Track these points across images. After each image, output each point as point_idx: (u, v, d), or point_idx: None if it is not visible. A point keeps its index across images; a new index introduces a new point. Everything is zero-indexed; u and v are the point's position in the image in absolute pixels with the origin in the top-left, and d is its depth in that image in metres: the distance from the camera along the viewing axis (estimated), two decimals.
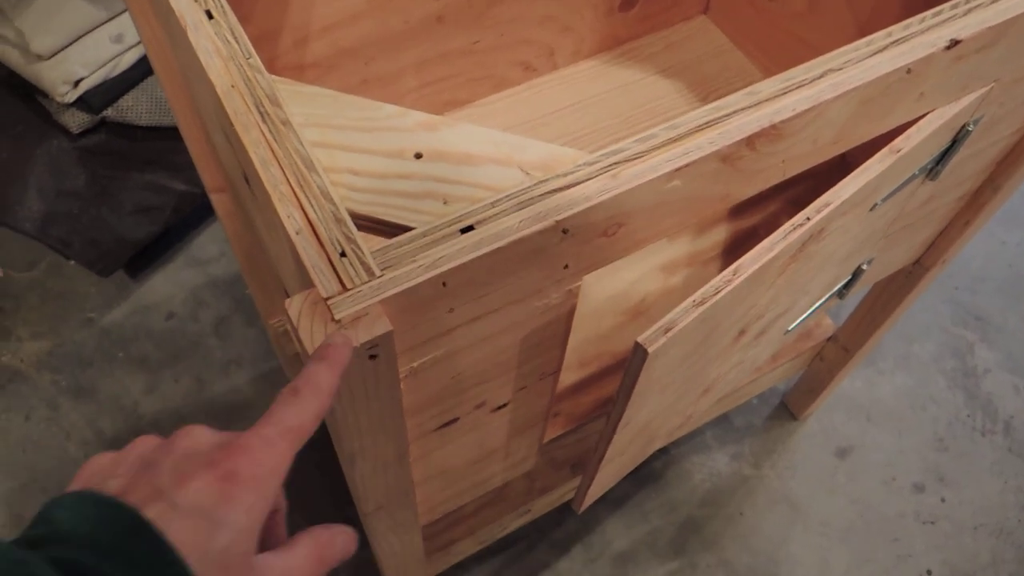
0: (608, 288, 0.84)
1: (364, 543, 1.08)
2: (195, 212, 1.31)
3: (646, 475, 1.16)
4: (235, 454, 0.32)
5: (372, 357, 0.37)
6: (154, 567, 0.28)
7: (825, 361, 1.10)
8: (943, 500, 1.17)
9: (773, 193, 0.93)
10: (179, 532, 0.29)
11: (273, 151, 0.41)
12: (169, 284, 1.31)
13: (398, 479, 0.52)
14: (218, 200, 0.85)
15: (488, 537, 0.93)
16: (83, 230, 1.14)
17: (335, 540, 0.36)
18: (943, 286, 1.37)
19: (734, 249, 0.88)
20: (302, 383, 0.34)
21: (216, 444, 0.33)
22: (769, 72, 0.98)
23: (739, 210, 0.91)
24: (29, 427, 1.17)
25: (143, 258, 1.31)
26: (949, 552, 1.12)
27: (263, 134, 0.42)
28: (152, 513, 0.29)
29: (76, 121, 1.14)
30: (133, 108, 1.14)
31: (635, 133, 0.94)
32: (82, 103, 1.13)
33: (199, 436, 0.34)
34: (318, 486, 1.11)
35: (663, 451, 1.17)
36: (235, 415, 1.18)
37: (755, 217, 0.90)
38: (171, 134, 1.20)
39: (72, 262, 1.31)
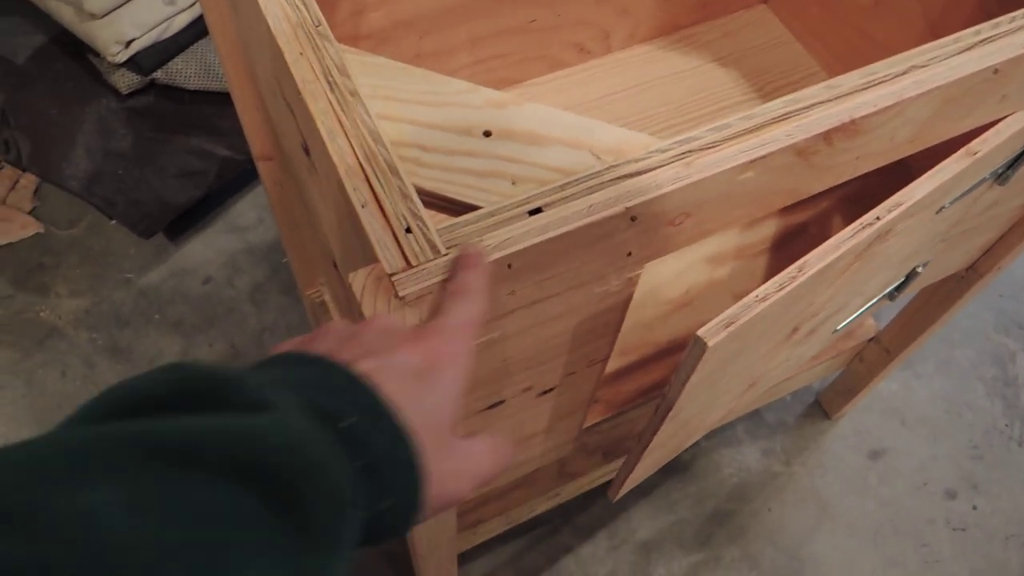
0: (653, 278, 0.83)
1: None
2: (237, 178, 1.31)
3: (675, 466, 1.15)
4: (433, 334, 0.33)
5: None
6: (375, 416, 0.28)
7: (865, 362, 1.08)
8: (975, 508, 1.15)
9: (824, 191, 0.91)
10: (391, 389, 0.29)
11: (340, 122, 0.41)
12: (207, 249, 1.32)
13: None
14: (265, 168, 0.85)
15: (516, 518, 0.93)
16: (127, 191, 1.15)
17: (505, 445, 0.37)
18: (988, 293, 1.34)
19: (783, 244, 0.86)
20: (459, 287, 0.35)
21: (412, 327, 0.34)
22: (828, 66, 0.96)
23: (789, 206, 0.90)
24: (65, 383, 1.18)
25: (183, 222, 1.32)
26: (978, 560, 1.11)
27: (331, 104, 0.41)
28: (364, 369, 0.30)
29: (125, 82, 1.14)
30: (182, 71, 1.14)
31: (688, 121, 0.92)
32: (132, 64, 1.13)
33: (393, 319, 0.35)
34: None
35: (694, 443, 1.16)
36: None
37: (806, 213, 0.88)
38: (218, 99, 1.20)
39: (113, 222, 1.32)
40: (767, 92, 0.94)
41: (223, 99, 1.21)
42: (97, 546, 0.20)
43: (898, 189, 0.51)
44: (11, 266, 1.28)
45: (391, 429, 0.29)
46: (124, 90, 1.15)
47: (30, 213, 1.33)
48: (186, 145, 1.18)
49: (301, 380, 0.29)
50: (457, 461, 0.33)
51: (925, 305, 0.94)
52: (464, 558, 1.05)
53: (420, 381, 0.31)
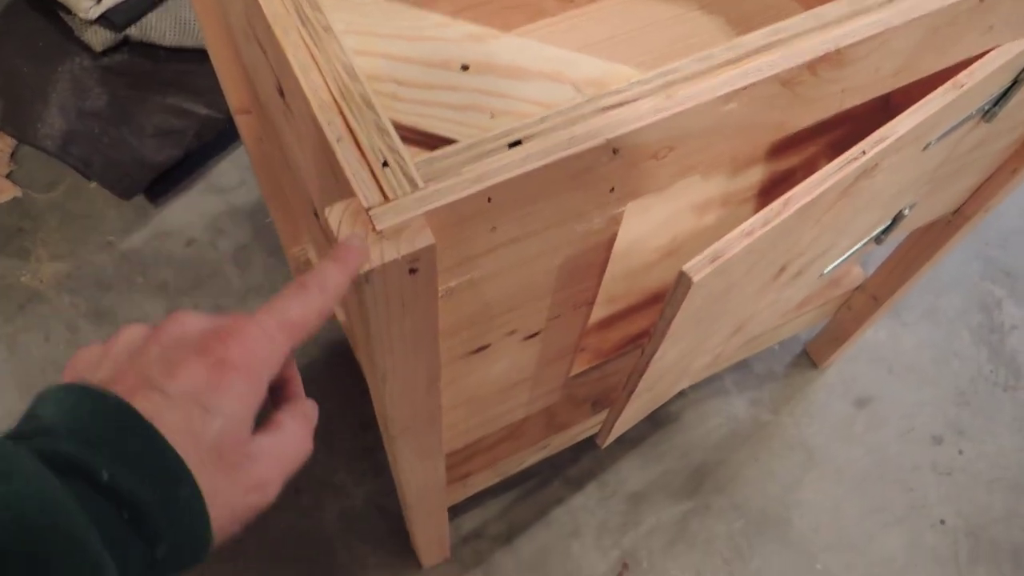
0: (639, 226, 0.82)
1: (382, 470, 1.09)
2: (216, 138, 1.29)
3: (663, 417, 1.15)
4: (227, 340, 0.30)
5: (412, 271, 0.36)
6: (144, 457, 0.27)
7: (852, 310, 1.08)
8: (960, 452, 1.16)
9: (812, 135, 0.91)
10: (170, 421, 0.28)
11: (313, 56, 0.40)
12: (189, 211, 1.30)
13: (426, 402, 0.51)
14: (243, 122, 0.83)
15: (505, 471, 0.94)
16: (104, 150, 1.13)
17: (312, 410, 0.35)
18: (974, 240, 1.35)
19: (770, 191, 0.86)
20: (310, 279, 0.33)
21: (207, 330, 0.31)
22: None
23: (777, 151, 0.89)
24: (49, 348, 1.17)
25: (163, 183, 1.30)
26: (963, 504, 1.12)
27: (303, 39, 0.40)
28: (141, 403, 0.28)
29: (99, 39, 1.11)
30: (157, 27, 1.12)
31: None
32: (105, 20, 1.10)
33: (188, 322, 0.32)
34: (337, 412, 1.11)
35: (681, 394, 1.17)
36: None
37: (793, 159, 0.88)
38: (194, 57, 1.17)
39: (93, 184, 1.30)
40: None
41: (200, 56, 1.19)
42: None
43: None
44: None
45: (164, 474, 0.27)
46: (98, 48, 1.12)
47: (7, 177, 1.30)
48: (163, 104, 1.16)
49: (70, 425, 0.27)
50: (255, 473, 0.31)
51: (912, 250, 0.94)
52: (455, 511, 1.06)
53: (203, 408, 0.29)
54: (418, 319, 0.40)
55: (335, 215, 0.35)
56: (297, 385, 0.36)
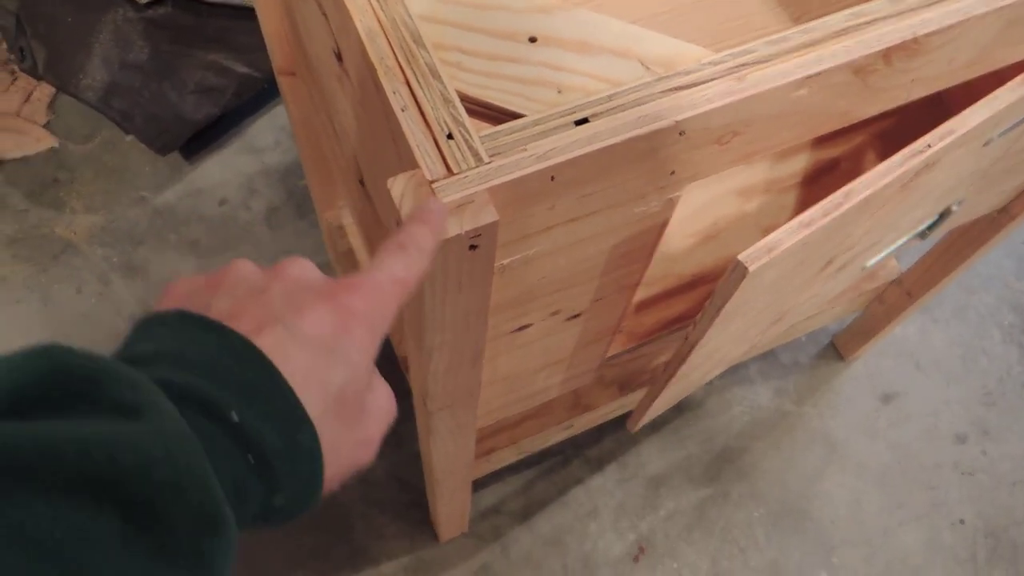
0: (680, 209, 0.81)
1: (402, 442, 1.10)
2: (254, 98, 1.29)
3: (686, 402, 1.15)
4: (352, 290, 0.30)
5: (472, 248, 0.36)
6: (272, 400, 0.26)
7: (885, 304, 1.07)
8: (984, 453, 1.15)
9: (859, 124, 0.89)
10: (297, 363, 0.27)
11: (380, 22, 0.39)
12: (223, 170, 1.30)
13: (469, 379, 0.51)
14: (286, 84, 0.83)
15: (529, 448, 0.94)
16: (145, 104, 1.13)
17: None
18: (1009, 240, 1.32)
19: (814, 179, 0.84)
20: (408, 240, 0.32)
21: (329, 279, 0.30)
22: None
23: (822, 139, 0.87)
24: (80, 300, 1.18)
25: (199, 141, 1.30)
26: (984, 504, 1.12)
27: (369, 3, 0.40)
28: (268, 342, 0.27)
29: None
30: None
31: (722, 49, 0.89)
32: None
33: (307, 268, 0.31)
34: None
35: (707, 381, 1.16)
36: None
37: (838, 148, 0.86)
38: (237, 13, 1.17)
39: (129, 138, 1.30)
40: (804, 22, 0.91)
41: (243, 14, 1.18)
42: None
43: (934, 125, 0.49)
44: (26, 180, 1.27)
45: (288, 421, 0.26)
46: (142, 0, 1.12)
47: (45, 126, 1.31)
48: (204, 60, 1.15)
49: (192, 356, 0.26)
50: (366, 427, 0.30)
51: (951, 247, 0.92)
52: (475, 486, 1.06)
53: (328, 354, 0.28)
54: (473, 297, 0.39)
55: (398, 187, 0.34)
56: None
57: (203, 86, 1.15)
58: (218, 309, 0.28)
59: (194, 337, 0.26)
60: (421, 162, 0.35)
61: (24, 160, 1.28)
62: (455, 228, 0.34)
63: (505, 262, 0.43)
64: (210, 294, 0.29)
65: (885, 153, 0.89)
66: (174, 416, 0.23)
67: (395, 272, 0.31)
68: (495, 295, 0.46)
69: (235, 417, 0.24)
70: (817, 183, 0.84)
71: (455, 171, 0.35)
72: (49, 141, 1.30)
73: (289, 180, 1.29)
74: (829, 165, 0.86)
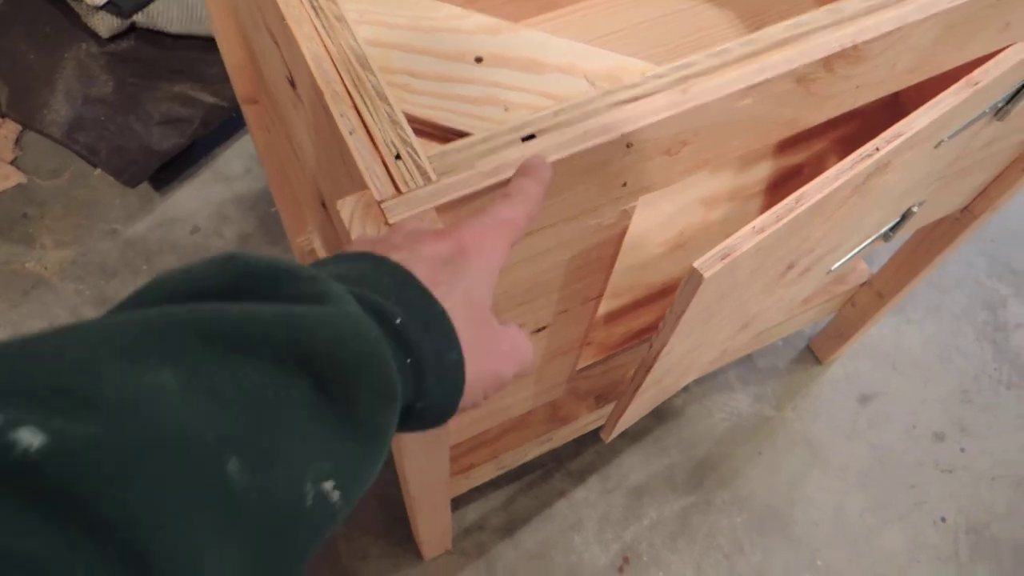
0: (646, 220, 0.82)
1: (388, 464, 1.09)
2: (222, 127, 1.29)
3: (666, 411, 1.15)
4: (460, 229, 0.33)
5: None
6: (427, 317, 0.29)
7: (857, 306, 1.08)
8: (963, 450, 1.16)
9: (820, 131, 0.90)
10: (422, 273, 0.30)
11: (326, 47, 0.39)
12: (194, 199, 1.30)
13: None
14: (250, 112, 0.83)
15: (508, 463, 0.94)
16: (110, 137, 1.12)
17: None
18: (980, 238, 1.34)
19: (778, 186, 0.85)
20: (512, 188, 0.36)
21: (439, 227, 0.35)
22: (824, 4, 0.94)
23: (784, 146, 0.89)
24: None
25: (169, 171, 1.29)
26: (965, 501, 1.12)
27: (316, 29, 0.40)
28: (397, 257, 0.31)
29: (105, 25, 1.11)
30: (163, 14, 1.11)
31: None
32: (112, 6, 1.10)
33: (420, 222, 0.35)
34: None
35: (685, 388, 1.17)
36: None
37: (801, 155, 0.87)
38: (201, 45, 1.17)
39: (97, 171, 1.29)
40: None
41: (206, 44, 1.18)
42: (158, 430, 0.20)
43: None
44: None
45: (441, 337, 0.29)
46: (104, 34, 1.11)
47: (11, 163, 1.30)
48: (170, 92, 1.15)
49: (354, 275, 0.29)
50: (496, 342, 0.33)
51: (919, 248, 0.93)
52: (457, 503, 1.06)
53: (450, 266, 0.32)
54: None
55: (347, 208, 0.35)
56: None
57: (169, 117, 1.15)
58: (363, 248, 0.32)
59: (349, 265, 0.30)
60: (370, 183, 0.36)
61: None
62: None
63: None
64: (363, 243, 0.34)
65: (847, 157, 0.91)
66: (354, 304, 0.26)
67: (501, 214, 0.34)
68: None
69: (399, 322, 0.28)
70: (781, 190, 0.85)
71: (403, 190, 0.36)
72: (16, 177, 1.29)
73: (260, 207, 1.29)
74: (792, 171, 0.87)
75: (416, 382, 0.28)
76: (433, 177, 0.36)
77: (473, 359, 0.31)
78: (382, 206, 0.35)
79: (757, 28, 0.96)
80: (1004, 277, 1.31)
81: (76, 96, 1.11)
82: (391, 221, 0.34)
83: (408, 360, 0.28)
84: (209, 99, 1.19)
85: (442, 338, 0.29)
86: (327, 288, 0.26)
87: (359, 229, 0.34)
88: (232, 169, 1.33)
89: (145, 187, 1.29)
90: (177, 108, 1.17)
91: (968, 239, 0.89)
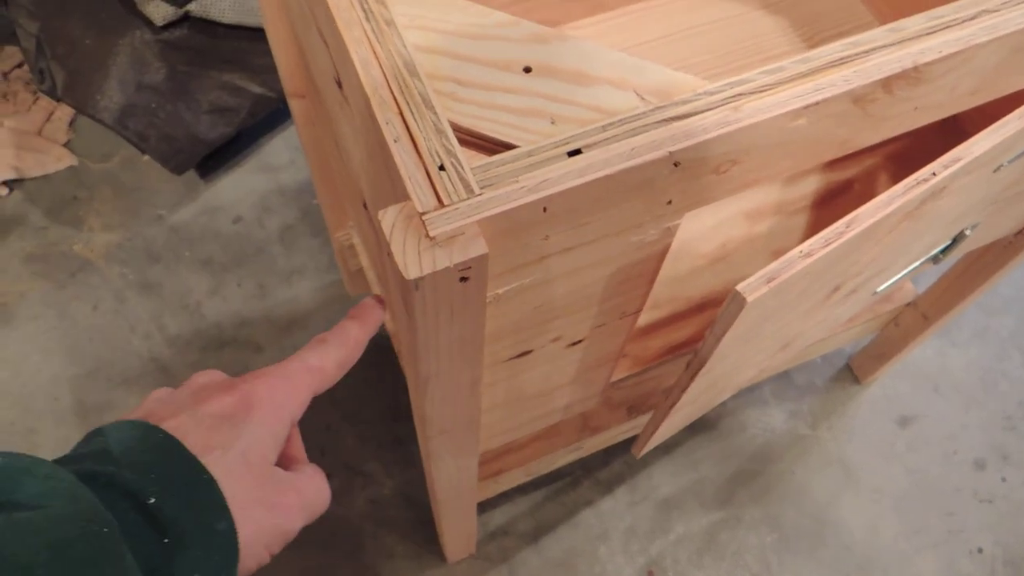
0: (688, 231, 0.81)
1: (413, 461, 1.09)
2: (269, 117, 1.30)
3: (699, 424, 1.14)
4: (252, 380, 0.34)
5: (463, 280, 0.36)
6: (190, 487, 0.29)
7: (900, 327, 1.06)
8: (1004, 480, 1.13)
9: (871, 147, 0.88)
10: (198, 437, 0.31)
11: (375, 52, 0.39)
12: (238, 188, 1.31)
13: (468, 406, 0.51)
14: (297, 106, 0.84)
15: (537, 470, 0.93)
16: (159, 125, 1.14)
17: (322, 479, 0.38)
18: None
19: (825, 202, 0.83)
20: (330, 334, 0.38)
21: (232, 377, 0.35)
22: (883, 16, 0.92)
23: (834, 162, 0.87)
24: (96, 317, 1.19)
25: (214, 159, 1.31)
26: (1004, 532, 1.09)
27: (365, 33, 0.40)
28: (170, 424, 0.31)
29: (160, 13, 1.12)
30: (217, 4, 1.13)
31: (731, 71, 0.89)
32: None
33: (216, 374, 0.36)
34: (371, 402, 1.11)
35: (720, 403, 1.15)
36: (295, 324, 1.19)
37: (851, 170, 0.85)
38: (252, 35, 1.18)
39: (146, 157, 1.31)
40: (817, 42, 0.90)
41: (258, 35, 1.19)
42: None
43: (949, 147, 0.48)
44: (46, 198, 1.29)
45: (206, 502, 0.29)
46: (159, 22, 1.13)
47: (65, 145, 1.33)
48: (219, 81, 1.16)
49: (116, 451, 0.29)
50: (279, 497, 0.33)
51: (968, 270, 0.91)
52: (483, 506, 1.05)
53: (229, 424, 0.32)
54: (466, 327, 0.39)
55: (388, 219, 0.34)
56: (302, 451, 0.40)
57: (217, 106, 1.16)
58: (139, 413, 0.33)
59: (127, 436, 0.30)
60: (412, 193, 0.35)
61: (44, 178, 1.30)
62: (444, 261, 0.34)
63: (500, 291, 0.42)
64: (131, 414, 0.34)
65: (898, 175, 0.88)
66: (86, 499, 0.26)
67: (308, 361, 0.36)
68: (491, 323, 0.46)
69: (152, 501, 0.28)
70: (829, 205, 0.84)
71: (446, 203, 0.35)
72: (69, 160, 1.31)
73: (303, 199, 1.30)
74: (842, 187, 0.85)
75: (180, 558, 0.28)
76: (476, 190, 0.35)
77: (250, 520, 0.31)
78: (423, 218, 0.35)
79: (810, 37, 0.94)
80: None
81: (129, 83, 1.13)
82: (432, 234, 0.34)
83: (165, 540, 0.28)
84: (257, 89, 1.20)
85: (208, 509, 0.29)
86: (59, 486, 0.26)
87: (400, 241, 0.34)
88: (277, 159, 1.34)
89: (191, 174, 1.31)
90: (225, 97, 1.18)
91: (1021, 263, 0.87)
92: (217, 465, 0.30)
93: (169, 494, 0.28)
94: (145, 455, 0.29)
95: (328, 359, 0.37)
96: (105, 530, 0.25)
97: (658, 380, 0.91)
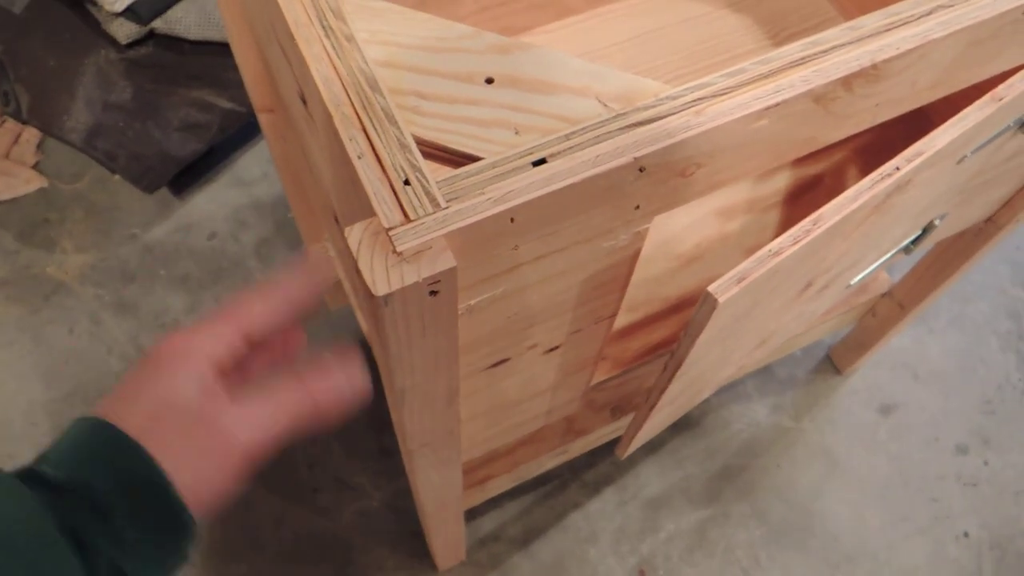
0: (661, 231, 0.81)
1: (400, 471, 1.09)
2: (240, 131, 1.29)
3: (684, 421, 1.14)
4: (161, 341, 0.36)
5: (433, 293, 0.36)
6: (89, 440, 0.33)
7: (877, 317, 1.06)
8: (986, 463, 1.14)
9: (839, 141, 0.89)
10: (111, 407, 0.33)
11: (336, 68, 0.39)
12: (212, 203, 1.30)
13: (445, 418, 0.50)
14: (266, 120, 0.83)
15: (524, 475, 0.93)
16: (129, 144, 1.13)
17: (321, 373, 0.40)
18: (1004, 246, 1.32)
19: (797, 196, 0.84)
20: (258, 284, 0.39)
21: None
22: (847, 12, 0.93)
23: (803, 157, 0.87)
24: (72, 339, 1.18)
25: (187, 176, 1.30)
26: (988, 515, 1.10)
27: (325, 50, 0.40)
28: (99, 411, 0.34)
29: (124, 31, 1.11)
30: (182, 20, 1.12)
31: (699, 70, 0.90)
32: (131, 13, 1.10)
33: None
34: (357, 413, 1.11)
35: (703, 399, 1.16)
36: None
37: (821, 164, 0.86)
38: (219, 50, 1.17)
39: (117, 176, 1.30)
40: (782, 39, 0.91)
41: (225, 50, 1.19)
42: None
43: (917, 139, 0.49)
44: (16, 221, 1.27)
45: (133, 464, 0.32)
46: (123, 40, 1.12)
47: (34, 167, 1.31)
48: (188, 97, 1.16)
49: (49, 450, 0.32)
50: (219, 431, 0.35)
51: (940, 259, 0.92)
52: (472, 513, 1.05)
53: (137, 386, 0.34)
54: (439, 339, 0.39)
55: (355, 236, 0.34)
56: (294, 347, 0.43)
57: (187, 123, 1.16)
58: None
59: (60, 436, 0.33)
60: (378, 209, 0.35)
61: (14, 201, 1.29)
62: (413, 276, 0.34)
63: (472, 302, 0.42)
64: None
65: (868, 167, 0.89)
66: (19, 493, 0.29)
67: (227, 306, 0.38)
68: (466, 334, 0.45)
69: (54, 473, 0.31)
70: (800, 200, 0.84)
71: (412, 217, 0.35)
72: (38, 182, 1.30)
73: (278, 212, 1.29)
74: (812, 182, 0.85)
75: (110, 526, 0.31)
76: (442, 203, 0.35)
77: (191, 461, 0.33)
78: (390, 234, 0.35)
79: (775, 34, 0.94)
80: None
81: (95, 103, 1.12)
82: (399, 249, 0.34)
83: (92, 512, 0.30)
84: (227, 104, 1.20)
85: (136, 470, 0.32)
86: None
87: (367, 257, 0.34)
88: (250, 173, 1.33)
89: (164, 192, 1.30)
90: (195, 114, 1.18)
91: (992, 249, 0.88)
92: (130, 425, 0.32)
93: (84, 465, 0.31)
94: (64, 440, 0.32)
95: (252, 303, 0.38)
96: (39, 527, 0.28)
97: (640, 380, 0.92)
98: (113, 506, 0.31)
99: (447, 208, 0.35)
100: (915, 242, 0.73)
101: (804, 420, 1.16)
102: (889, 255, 0.71)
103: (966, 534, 1.09)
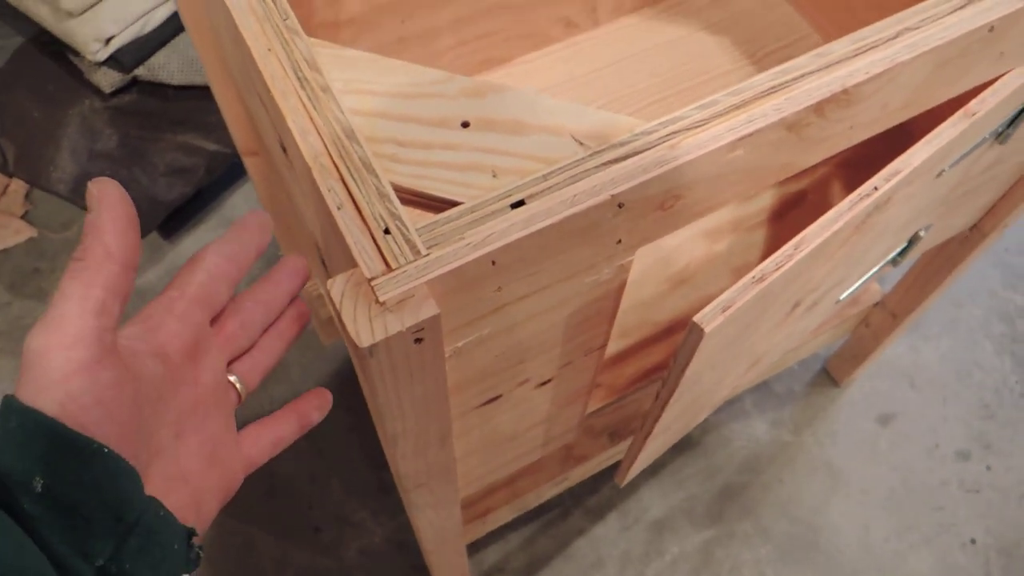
0: (649, 254, 0.81)
1: (401, 507, 1.08)
2: (227, 172, 1.30)
3: (683, 442, 1.14)
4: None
5: (418, 341, 0.36)
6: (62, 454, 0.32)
7: (871, 327, 1.07)
8: (988, 468, 1.14)
9: None
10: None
11: (312, 120, 0.39)
12: (201, 245, 1.30)
13: (440, 458, 0.50)
14: (251, 163, 0.83)
15: (524, 506, 0.93)
16: None
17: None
18: (993, 249, 1.32)
19: (782, 214, 0.84)
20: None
21: None
22: (823, 30, 0.94)
23: None
24: None
25: (176, 219, 1.30)
26: (994, 521, 1.10)
27: (301, 101, 0.40)
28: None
29: (108, 80, 1.12)
30: (165, 67, 1.13)
31: (678, 92, 0.90)
32: (113, 61, 1.11)
33: None
34: (355, 449, 1.11)
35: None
36: (270, 377, 1.18)
37: (804, 181, 0.87)
38: (203, 94, 1.18)
39: None
40: (759, 58, 0.92)
41: (208, 93, 1.19)
42: None
43: (899, 151, 0.49)
44: (7, 272, 1.27)
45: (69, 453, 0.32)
46: (107, 89, 1.13)
47: (22, 217, 1.31)
48: (173, 142, 1.16)
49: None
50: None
51: (929, 267, 0.92)
52: (475, 546, 1.05)
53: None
54: (427, 385, 0.39)
55: (337, 288, 0.34)
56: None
57: (174, 167, 1.16)
58: None
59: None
60: (359, 259, 0.35)
61: (4, 252, 1.29)
62: (396, 325, 0.34)
63: (459, 345, 0.42)
64: None
65: (851, 182, 0.90)
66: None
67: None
68: (455, 375, 0.45)
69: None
70: (785, 218, 0.85)
71: (393, 266, 0.35)
72: (28, 232, 1.30)
73: (268, 250, 1.29)
74: (796, 199, 0.86)
75: (85, 533, 0.31)
76: (423, 251, 0.35)
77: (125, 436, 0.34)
78: (372, 284, 0.35)
79: (753, 53, 0.95)
80: (1019, 287, 1.29)
81: (81, 152, 1.12)
82: (382, 299, 0.34)
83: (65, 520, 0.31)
84: (212, 147, 1.20)
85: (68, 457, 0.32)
86: None
87: (351, 309, 0.34)
88: (238, 213, 1.33)
89: (154, 236, 1.30)
90: (181, 158, 1.18)
91: (980, 255, 0.88)
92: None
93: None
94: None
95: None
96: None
97: (637, 404, 0.92)
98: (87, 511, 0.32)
99: (428, 255, 0.35)
100: (902, 254, 0.74)
101: (804, 434, 1.16)
102: (876, 269, 0.72)
103: (973, 541, 1.09)
